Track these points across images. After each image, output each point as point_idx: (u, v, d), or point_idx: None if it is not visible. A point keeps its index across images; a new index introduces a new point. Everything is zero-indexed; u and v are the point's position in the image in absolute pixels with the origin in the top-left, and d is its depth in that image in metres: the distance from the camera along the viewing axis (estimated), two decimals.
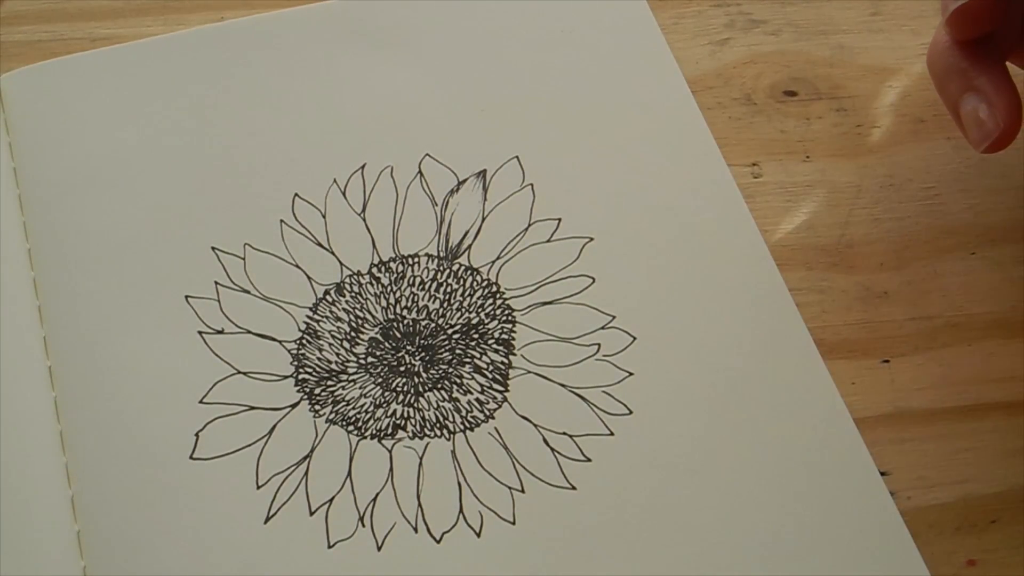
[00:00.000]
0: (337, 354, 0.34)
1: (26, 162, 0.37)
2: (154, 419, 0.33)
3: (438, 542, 0.31)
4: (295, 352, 0.34)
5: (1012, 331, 0.35)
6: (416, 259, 0.36)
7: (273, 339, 0.34)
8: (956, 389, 0.34)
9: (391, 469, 0.32)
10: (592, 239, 0.36)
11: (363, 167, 0.37)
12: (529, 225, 0.36)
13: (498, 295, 0.35)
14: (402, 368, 0.34)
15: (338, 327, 0.34)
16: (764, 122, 0.39)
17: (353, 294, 0.35)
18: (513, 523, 0.31)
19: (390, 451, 0.32)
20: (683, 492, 0.32)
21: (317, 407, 0.33)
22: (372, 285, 0.35)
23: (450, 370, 0.34)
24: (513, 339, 0.34)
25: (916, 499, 0.32)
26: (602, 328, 0.34)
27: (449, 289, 0.35)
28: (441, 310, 0.35)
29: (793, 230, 0.37)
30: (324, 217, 0.36)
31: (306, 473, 0.32)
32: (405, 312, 0.35)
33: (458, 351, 0.34)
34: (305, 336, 0.34)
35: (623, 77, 0.39)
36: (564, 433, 0.33)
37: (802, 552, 0.31)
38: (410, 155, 0.38)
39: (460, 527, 0.31)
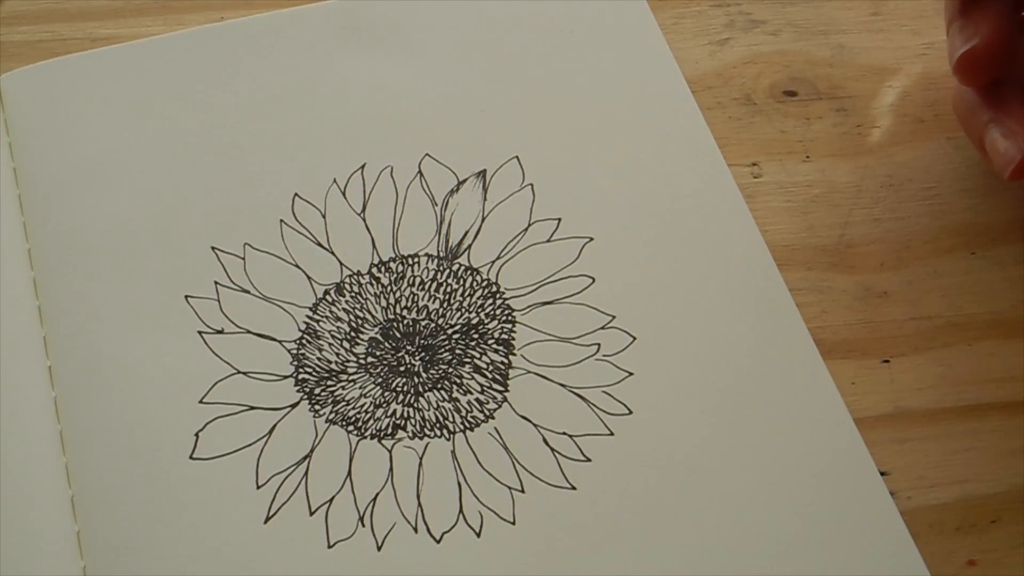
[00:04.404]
0: (337, 354, 0.34)
1: (26, 162, 0.37)
2: (154, 419, 0.33)
3: (438, 542, 0.31)
4: (295, 352, 0.34)
5: (1012, 331, 0.35)
6: (416, 259, 0.36)
7: (273, 339, 0.34)
8: (956, 389, 0.34)
9: (391, 469, 0.32)
10: (592, 239, 0.36)
11: (363, 167, 0.37)
12: (529, 225, 0.36)
13: (498, 295, 0.35)
14: (402, 368, 0.34)
15: (338, 327, 0.35)
16: (764, 122, 0.39)
17: (353, 294, 0.35)
18: (513, 523, 0.31)
19: (390, 451, 0.32)
20: (683, 492, 0.32)
21: (317, 407, 0.33)
22: (372, 285, 0.35)
23: (450, 370, 0.34)
24: (513, 339, 0.34)
25: (916, 499, 0.32)
26: (602, 328, 0.34)
27: (449, 289, 0.35)
28: (441, 310, 0.35)
29: (793, 230, 0.37)
30: (324, 217, 0.36)
31: (306, 473, 0.32)
32: (405, 312, 0.35)
33: (458, 351, 0.34)
34: (305, 336, 0.34)
35: (623, 77, 0.39)
36: (564, 433, 0.33)
37: (802, 552, 0.31)
38: (410, 155, 0.38)
39: (460, 527, 0.31)
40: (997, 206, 0.37)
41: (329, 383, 0.34)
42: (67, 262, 0.35)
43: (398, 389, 0.33)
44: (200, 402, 0.33)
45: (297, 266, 0.36)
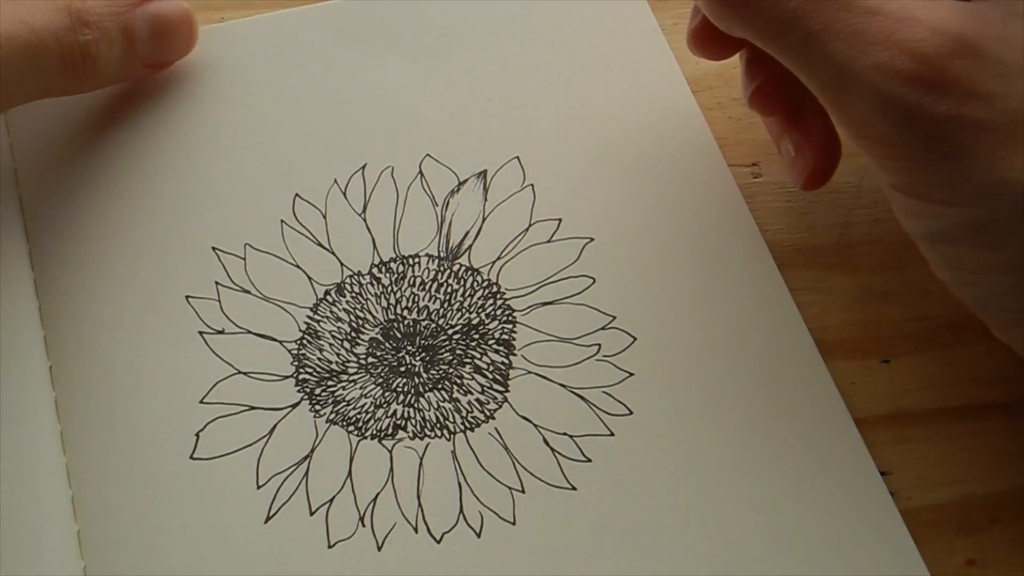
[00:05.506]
0: (337, 354, 0.34)
1: (26, 162, 0.37)
2: (154, 419, 0.33)
3: (438, 542, 0.31)
4: (295, 352, 0.34)
5: None
6: (416, 259, 0.36)
7: (273, 339, 0.34)
8: (956, 389, 0.34)
9: (391, 469, 0.32)
10: (592, 239, 0.36)
11: (363, 167, 0.37)
12: (529, 225, 0.36)
13: (498, 295, 0.35)
14: (402, 368, 0.34)
15: (338, 327, 0.35)
16: None
17: (353, 294, 0.35)
18: (513, 523, 0.31)
19: (390, 451, 0.32)
20: (683, 492, 0.32)
21: (317, 407, 0.33)
22: (372, 285, 0.35)
23: (450, 370, 0.34)
24: (513, 339, 0.34)
25: (916, 499, 0.32)
26: (602, 328, 0.34)
27: (449, 289, 0.35)
28: (441, 310, 0.35)
29: (793, 230, 0.37)
30: (324, 217, 0.36)
31: (306, 473, 0.32)
32: (405, 312, 0.35)
33: (458, 351, 0.34)
34: (305, 336, 0.34)
35: (623, 77, 0.39)
36: (564, 433, 0.33)
37: (802, 552, 0.31)
38: (410, 155, 0.38)
39: (460, 527, 0.31)
40: None
41: (330, 383, 0.34)
42: (67, 262, 0.35)
43: (399, 389, 0.33)
44: (200, 402, 0.33)
45: (298, 266, 0.36)
